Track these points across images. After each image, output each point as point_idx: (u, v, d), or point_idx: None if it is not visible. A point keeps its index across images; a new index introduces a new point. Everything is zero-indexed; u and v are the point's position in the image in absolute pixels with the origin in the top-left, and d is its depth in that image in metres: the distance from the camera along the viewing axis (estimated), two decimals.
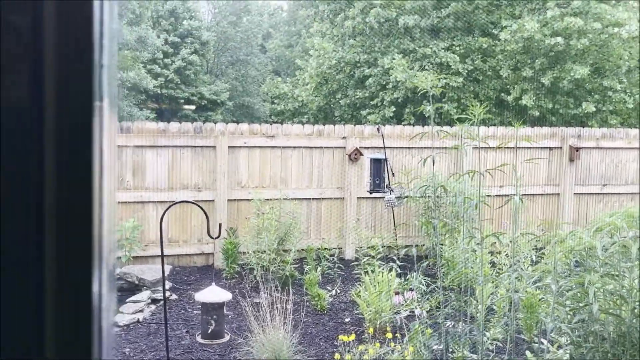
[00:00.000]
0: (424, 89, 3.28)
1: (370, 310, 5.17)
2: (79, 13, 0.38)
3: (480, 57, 13.68)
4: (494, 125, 11.15)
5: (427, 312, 4.53)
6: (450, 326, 3.70)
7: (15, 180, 0.45)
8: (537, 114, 12.70)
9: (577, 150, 8.66)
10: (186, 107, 23.17)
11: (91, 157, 0.43)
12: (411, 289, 4.79)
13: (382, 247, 5.60)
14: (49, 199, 0.44)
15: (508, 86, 13.36)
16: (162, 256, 4.14)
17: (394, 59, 13.55)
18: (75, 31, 0.38)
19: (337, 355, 4.25)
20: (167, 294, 6.25)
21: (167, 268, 6.95)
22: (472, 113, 3.08)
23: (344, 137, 8.00)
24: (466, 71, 13.47)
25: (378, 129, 8.05)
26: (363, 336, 4.94)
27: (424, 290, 3.96)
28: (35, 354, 0.48)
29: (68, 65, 0.40)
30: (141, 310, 5.74)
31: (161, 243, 4.09)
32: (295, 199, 7.68)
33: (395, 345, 4.19)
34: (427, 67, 13.70)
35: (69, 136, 0.42)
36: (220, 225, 4.90)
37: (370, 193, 7.50)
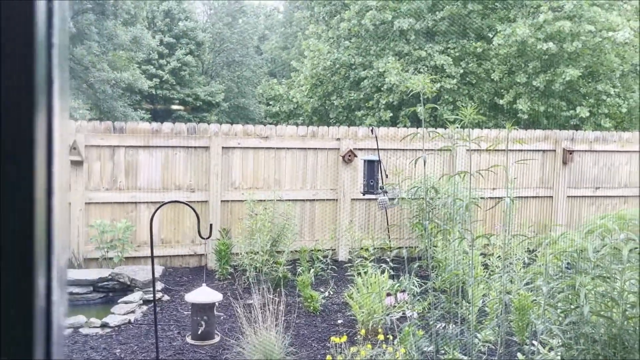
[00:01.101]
0: (416, 90, 3.28)
1: (363, 312, 5.16)
2: None
3: (475, 60, 13.71)
4: (488, 128, 11.17)
5: (419, 313, 4.52)
6: (441, 328, 3.69)
7: None
8: (530, 117, 12.74)
9: (570, 153, 8.68)
10: (175, 107, 23.11)
11: (33, 149, 0.40)
12: (403, 291, 4.79)
13: (374, 248, 5.59)
14: None
15: (502, 90, 13.39)
16: (152, 256, 4.12)
17: (388, 62, 13.57)
18: (17, 8, 0.36)
19: (328, 357, 4.24)
20: (159, 295, 6.22)
21: (160, 269, 6.92)
22: (462, 114, 3.08)
23: (338, 139, 7.99)
24: (460, 74, 13.49)
25: (372, 131, 8.05)
26: (355, 338, 4.92)
27: (416, 292, 3.95)
28: None
29: (7, 44, 0.37)
30: (133, 311, 5.70)
31: (151, 243, 4.07)
32: (289, 200, 7.66)
33: (386, 347, 4.18)
34: (421, 70, 13.73)
35: (7, 122, 0.40)
36: (211, 225, 4.88)
37: (364, 194, 7.49)
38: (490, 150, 7.68)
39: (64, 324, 0.53)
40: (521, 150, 8.47)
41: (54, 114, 0.41)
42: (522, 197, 8.51)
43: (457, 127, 3.17)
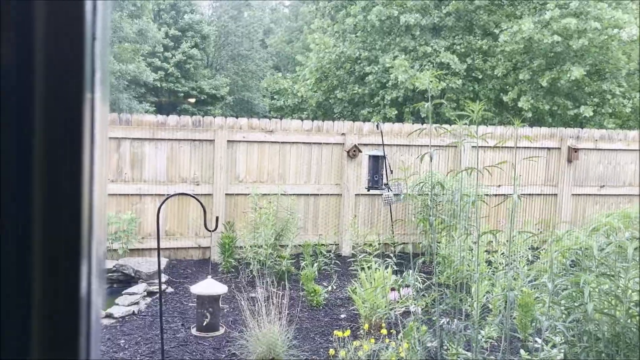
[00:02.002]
0: (422, 87, 3.28)
1: (366, 307, 5.17)
2: None
3: (481, 56, 13.67)
4: (493, 125, 11.15)
5: (423, 309, 4.53)
6: (445, 323, 3.71)
7: (1, 170, 0.42)
8: (534, 115, 12.70)
9: (575, 151, 8.66)
10: (191, 100, 23.13)
11: (81, 136, 0.41)
12: (407, 286, 4.80)
13: (378, 243, 5.60)
14: (37, 188, 0.41)
15: (507, 86, 13.36)
16: (159, 248, 4.14)
17: (396, 56, 13.53)
18: (68, 5, 0.37)
19: (331, 351, 4.26)
20: (163, 286, 6.25)
21: (164, 261, 6.95)
22: (470, 109, 3.08)
23: (343, 134, 7.99)
24: (465, 71, 13.45)
25: (377, 126, 8.05)
26: (358, 332, 4.94)
27: (420, 287, 3.96)
28: (20, 354, 0.45)
29: (57, 36, 0.39)
30: (137, 303, 5.73)
31: (157, 234, 4.09)
32: (293, 194, 7.68)
33: (390, 342, 4.19)
34: (427, 67, 13.70)
35: (58, 112, 0.41)
36: (217, 218, 4.90)
37: (368, 190, 7.50)
38: (495, 147, 7.68)
39: (101, 316, 0.54)
40: (526, 148, 8.46)
41: (95, 100, 0.43)
42: (527, 194, 8.51)
43: (466, 124, 3.17)
